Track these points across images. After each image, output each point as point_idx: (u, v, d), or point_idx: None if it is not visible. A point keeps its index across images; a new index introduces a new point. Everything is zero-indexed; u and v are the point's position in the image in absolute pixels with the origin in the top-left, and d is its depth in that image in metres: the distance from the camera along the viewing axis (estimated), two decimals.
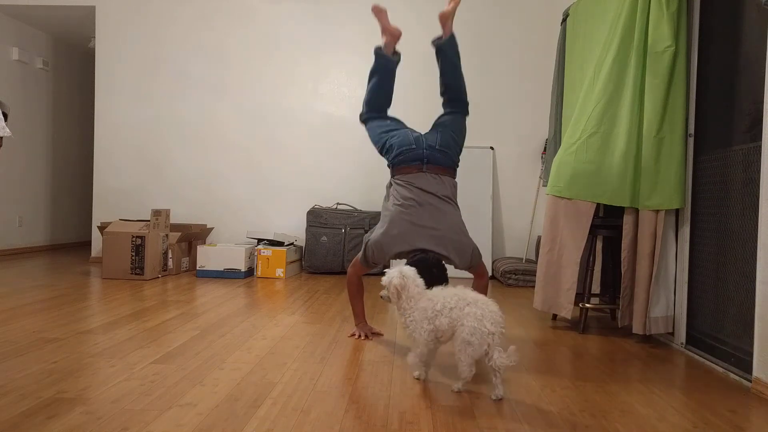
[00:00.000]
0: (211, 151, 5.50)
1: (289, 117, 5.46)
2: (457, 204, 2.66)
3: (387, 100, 2.93)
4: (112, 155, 5.54)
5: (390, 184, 2.72)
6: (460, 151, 2.75)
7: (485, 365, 1.86)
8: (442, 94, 2.87)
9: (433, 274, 2.30)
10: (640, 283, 2.67)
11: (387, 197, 2.72)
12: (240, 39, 5.47)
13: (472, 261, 2.56)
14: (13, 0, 5.55)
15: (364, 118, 2.95)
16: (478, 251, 2.60)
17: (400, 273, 2.02)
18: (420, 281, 2.06)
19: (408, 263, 2.33)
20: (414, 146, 2.63)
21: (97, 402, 1.72)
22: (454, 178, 2.70)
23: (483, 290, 2.71)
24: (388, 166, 2.75)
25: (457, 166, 2.74)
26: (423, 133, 2.74)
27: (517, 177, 5.29)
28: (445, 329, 1.89)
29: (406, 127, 2.81)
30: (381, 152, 2.80)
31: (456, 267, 2.57)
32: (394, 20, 2.80)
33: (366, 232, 4.95)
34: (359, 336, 2.65)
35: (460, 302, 1.87)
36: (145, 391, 1.82)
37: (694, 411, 1.82)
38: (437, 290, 1.99)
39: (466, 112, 2.86)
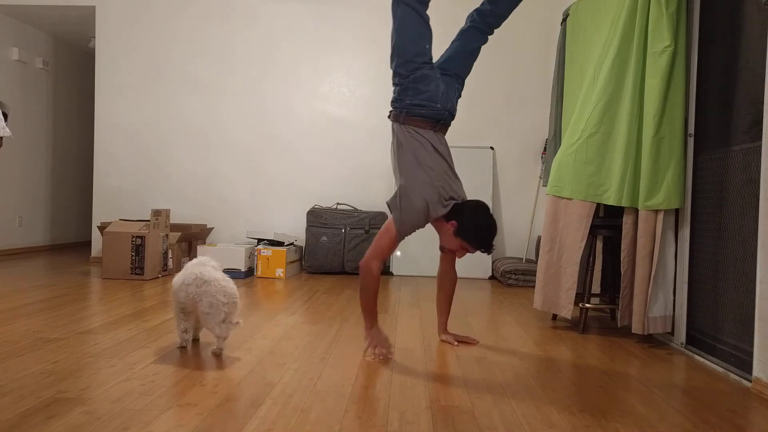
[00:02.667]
0: (210, 151, 5.50)
1: (289, 117, 5.46)
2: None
3: None
4: (112, 155, 5.54)
5: (399, 131, 2.47)
6: None
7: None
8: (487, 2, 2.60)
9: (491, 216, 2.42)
10: (639, 283, 2.67)
11: (400, 147, 2.45)
12: (240, 39, 5.47)
13: None
14: (13, 0, 5.55)
15: None
16: None
17: None
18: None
19: (473, 208, 2.40)
20: (439, 107, 2.47)
21: (97, 402, 1.72)
22: None
23: (452, 287, 2.65)
24: (398, 104, 2.49)
25: None
26: (446, 83, 2.52)
27: (517, 177, 5.29)
28: (183, 301, 2.26)
29: (436, 68, 2.53)
30: (400, 70, 2.46)
31: None
32: None
33: (366, 232, 4.96)
34: (376, 354, 2.32)
35: (197, 281, 2.22)
36: (145, 391, 1.82)
37: (694, 411, 1.82)
38: (188, 265, 2.32)
39: (491, 34, 2.70)
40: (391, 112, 2.55)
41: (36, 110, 6.37)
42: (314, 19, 5.43)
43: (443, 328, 2.66)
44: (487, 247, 2.39)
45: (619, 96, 2.75)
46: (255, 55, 5.47)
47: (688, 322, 2.61)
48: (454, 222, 2.38)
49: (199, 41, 5.49)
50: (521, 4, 2.68)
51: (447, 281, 2.66)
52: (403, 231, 2.42)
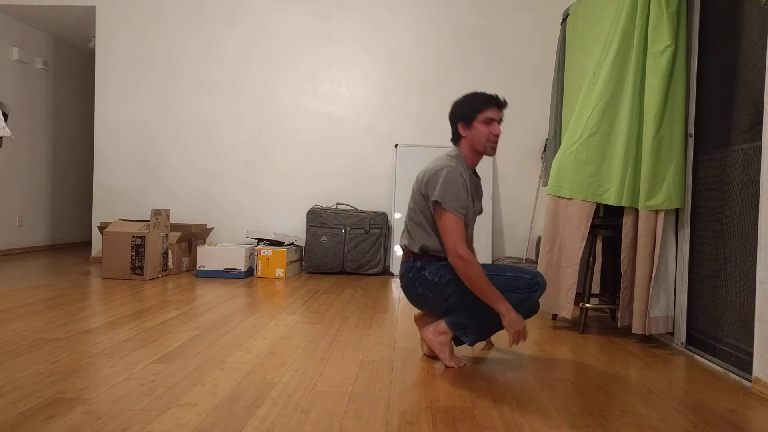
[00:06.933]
0: (211, 151, 5.51)
1: (290, 117, 5.46)
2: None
3: None
4: (112, 155, 5.54)
5: None
6: None
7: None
8: None
9: None
10: (639, 283, 2.67)
11: None
12: (241, 39, 5.47)
13: None
14: (13, 0, 5.55)
15: None
16: None
17: None
18: None
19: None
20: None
21: (97, 402, 1.72)
22: None
23: None
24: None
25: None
26: None
27: (517, 177, 5.29)
28: None
29: None
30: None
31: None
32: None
33: (366, 232, 4.96)
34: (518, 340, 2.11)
35: None
36: (145, 391, 1.82)
37: (694, 411, 1.82)
38: None
39: None
40: None
41: (36, 110, 6.37)
42: (315, 20, 5.43)
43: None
44: (489, 96, 2.31)
45: (619, 96, 2.75)
46: (255, 55, 5.47)
47: (688, 322, 2.61)
48: (459, 126, 2.37)
49: (199, 41, 5.49)
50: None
51: None
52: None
